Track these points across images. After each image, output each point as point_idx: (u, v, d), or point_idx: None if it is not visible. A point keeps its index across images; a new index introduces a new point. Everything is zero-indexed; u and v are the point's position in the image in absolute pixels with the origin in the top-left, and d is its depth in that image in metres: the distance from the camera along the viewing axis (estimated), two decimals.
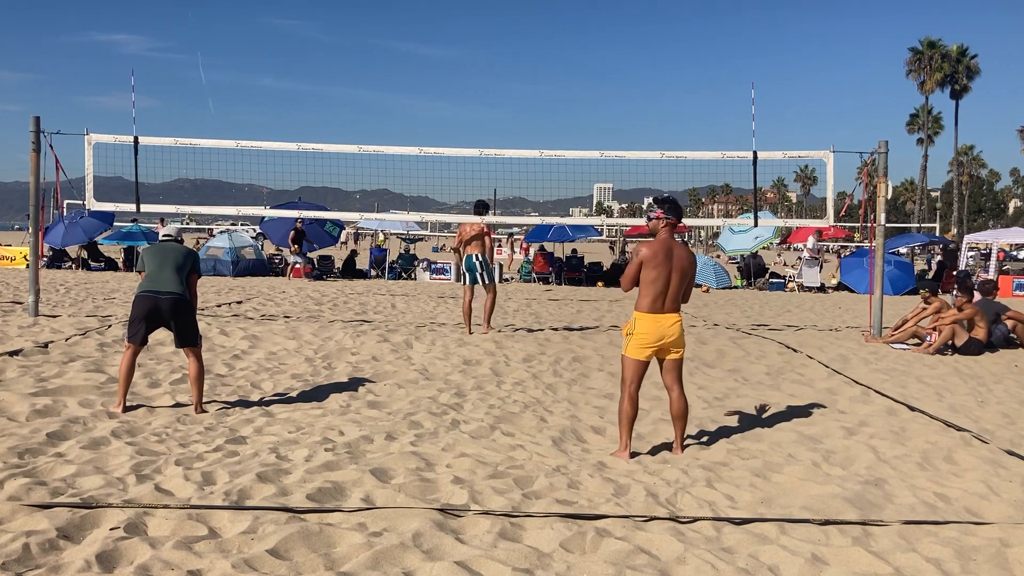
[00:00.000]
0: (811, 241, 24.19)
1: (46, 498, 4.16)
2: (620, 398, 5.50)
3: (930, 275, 24.80)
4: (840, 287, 24.12)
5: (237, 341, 9.62)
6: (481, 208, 11.65)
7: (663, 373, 5.59)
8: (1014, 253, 41.91)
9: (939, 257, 27.50)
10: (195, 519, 3.94)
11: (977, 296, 11.70)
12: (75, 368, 7.54)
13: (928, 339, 10.76)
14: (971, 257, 32.86)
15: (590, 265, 25.69)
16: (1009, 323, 11.21)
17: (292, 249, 23.02)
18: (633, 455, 5.42)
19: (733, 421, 6.57)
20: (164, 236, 6.57)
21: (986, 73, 63.79)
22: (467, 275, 11.19)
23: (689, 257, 5.44)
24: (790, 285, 24.04)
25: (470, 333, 10.97)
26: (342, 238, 33.06)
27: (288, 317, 12.43)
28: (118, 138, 11.91)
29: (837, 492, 4.71)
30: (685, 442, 5.76)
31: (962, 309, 10.70)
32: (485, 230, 11.22)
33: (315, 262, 24.39)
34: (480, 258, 11.10)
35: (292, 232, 22.85)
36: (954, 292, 11.33)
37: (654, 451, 5.59)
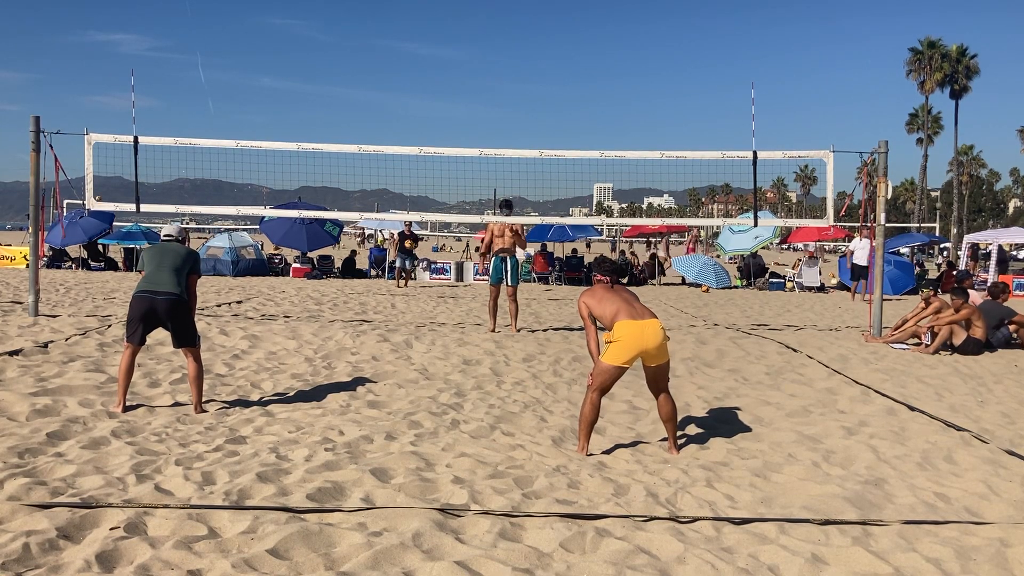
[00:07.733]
0: (857, 243, 22.52)
1: (46, 498, 4.16)
2: (583, 401, 5.46)
3: (931, 275, 24.70)
4: (840, 287, 24.11)
5: (237, 341, 9.62)
6: (506, 207, 11.78)
7: (648, 383, 5.53)
8: (1014, 253, 41.95)
9: (939, 259, 27.40)
10: (195, 519, 3.94)
11: (979, 298, 11.69)
12: (75, 368, 7.54)
13: (927, 339, 10.76)
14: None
15: (590, 265, 25.67)
16: (1012, 327, 11.19)
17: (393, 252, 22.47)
18: (610, 451, 5.42)
19: (733, 421, 6.57)
20: (165, 236, 6.48)
21: (986, 73, 63.81)
22: (492, 274, 11.52)
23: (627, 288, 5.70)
24: (789, 285, 24.01)
25: (493, 330, 11.27)
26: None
27: (288, 317, 12.44)
28: (118, 138, 11.90)
29: (837, 492, 4.71)
30: (684, 441, 5.77)
31: (959, 310, 10.70)
32: (514, 229, 11.49)
33: (315, 262, 24.38)
34: (508, 261, 11.42)
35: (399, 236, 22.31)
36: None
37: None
